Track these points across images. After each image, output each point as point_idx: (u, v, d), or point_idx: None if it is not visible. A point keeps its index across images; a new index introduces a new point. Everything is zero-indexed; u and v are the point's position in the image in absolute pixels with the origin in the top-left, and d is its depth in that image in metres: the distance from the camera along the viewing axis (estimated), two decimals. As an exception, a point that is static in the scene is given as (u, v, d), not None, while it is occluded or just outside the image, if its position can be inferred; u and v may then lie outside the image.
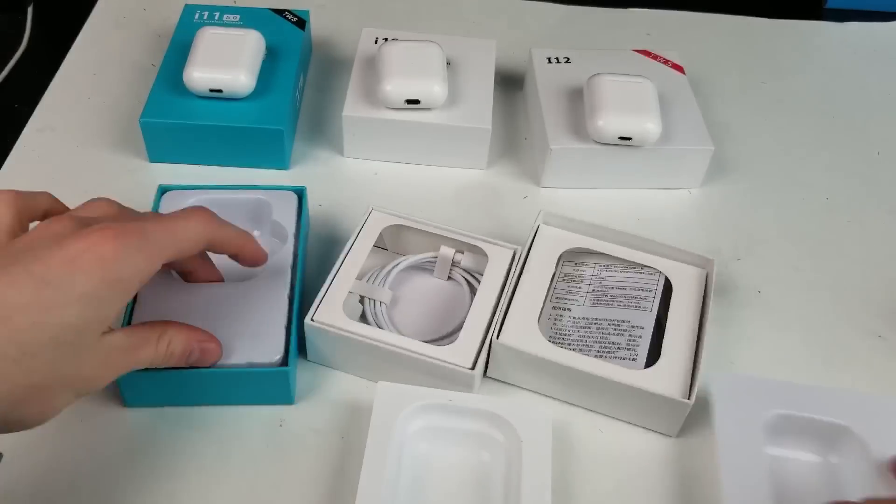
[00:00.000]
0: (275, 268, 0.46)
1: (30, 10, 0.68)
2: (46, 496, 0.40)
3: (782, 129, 0.64)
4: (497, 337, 0.44)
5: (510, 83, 0.65)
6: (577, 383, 0.44)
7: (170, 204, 0.48)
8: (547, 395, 0.46)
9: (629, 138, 0.54)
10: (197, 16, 0.62)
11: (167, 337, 0.39)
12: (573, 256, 0.51)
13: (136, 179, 0.56)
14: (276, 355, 0.42)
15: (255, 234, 0.49)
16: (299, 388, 0.45)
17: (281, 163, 0.57)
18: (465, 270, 0.50)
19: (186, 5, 0.63)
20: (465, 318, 0.45)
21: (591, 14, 0.74)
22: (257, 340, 0.42)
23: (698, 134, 0.57)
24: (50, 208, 0.39)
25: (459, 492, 0.41)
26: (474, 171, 0.59)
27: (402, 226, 0.49)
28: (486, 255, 0.48)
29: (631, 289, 0.49)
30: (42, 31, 0.69)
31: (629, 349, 0.46)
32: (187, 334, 0.40)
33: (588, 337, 0.48)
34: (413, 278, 0.51)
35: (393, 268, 0.50)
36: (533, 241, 0.50)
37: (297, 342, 0.44)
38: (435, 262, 0.50)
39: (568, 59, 0.61)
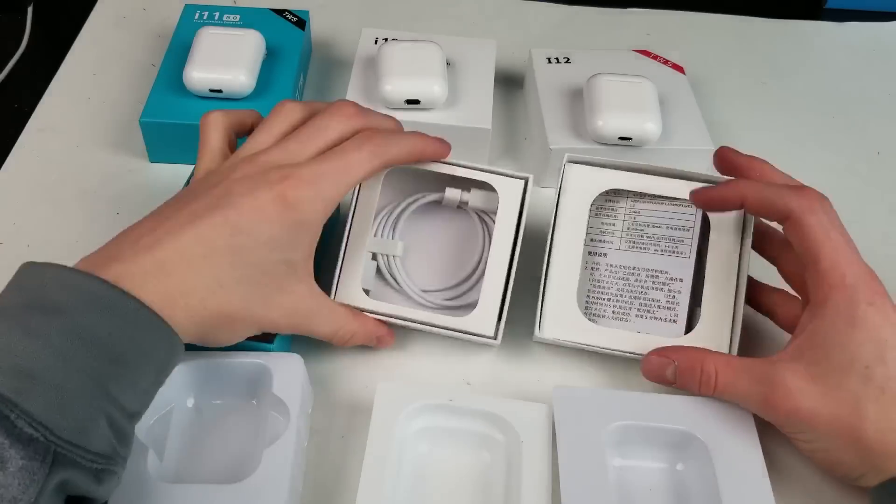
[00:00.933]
0: (273, 464, 0.39)
1: (30, 10, 0.68)
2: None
3: (782, 129, 0.64)
4: (539, 330, 0.46)
5: (510, 83, 0.65)
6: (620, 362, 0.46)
7: None
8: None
9: (629, 138, 0.54)
10: (197, 16, 0.62)
11: (352, 329, 0.44)
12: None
13: (136, 179, 0.56)
14: None
15: (253, 402, 0.44)
16: None
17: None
18: (474, 210, 0.51)
19: (186, 5, 0.63)
20: (479, 259, 0.48)
21: (591, 14, 0.74)
22: None
23: (698, 134, 0.57)
24: (255, 123, 0.44)
25: (459, 492, 0.41)
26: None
27: (402, 169, 0.47)
28: (494, 190, 0.47)
29: (668, 227, 0.50)
30: (42, 32, 0.69)
31: (669, 308, 0.48)
32: (365, 331, 0.44)
33: (627, 291, 0.49)
34: (422, 223, 0.51)
35: (400, 213, 0.50)
36: (561, 186, 0.49)
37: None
38: (440, 202, 0.51)
39: (568, 59, 0.61)
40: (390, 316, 0.45)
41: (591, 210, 0.48)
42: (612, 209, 0.51)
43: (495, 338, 0.45)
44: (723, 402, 0.42)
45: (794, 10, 0.76)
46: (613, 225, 0.50)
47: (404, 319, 0.45)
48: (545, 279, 0.47)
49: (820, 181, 0.60)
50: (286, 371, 0.42)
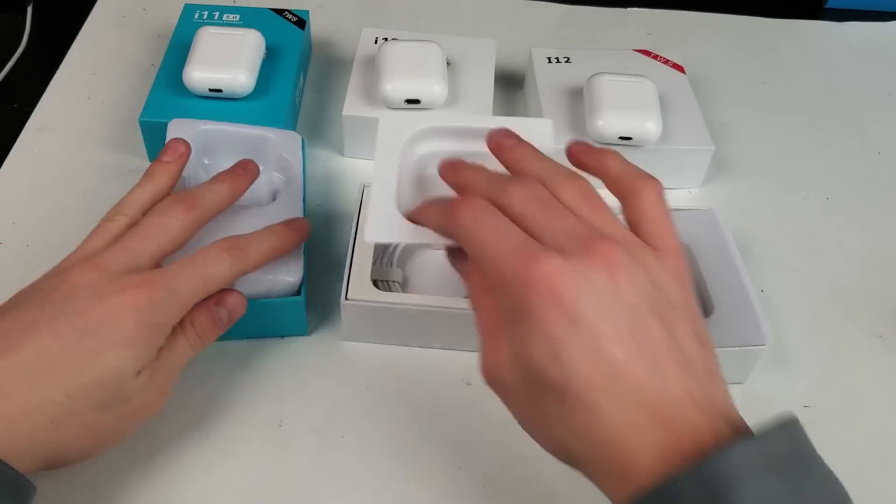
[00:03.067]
0: (288, 199, 0.48)
1: (29, 9, 0.68)
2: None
3: (782, 129, 0.64)
4: None
5: (510, 83, 0.65)
6: None
7: (176, 132, 0.49)
8: None
9: (629, 138, 0.54)
10: (197, 15, 0.62)
11: (188, 325, 0.40)
12: None
13: (136, 179, 0.55)
14: (297, 276, 0.45)
15: (261, 167, 0.49)
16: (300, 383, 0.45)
17: (281, 163, 0.57)
18: None
19: (186, 5, 0.63)
20: None
21: (592, 14, 0.74)
22: (279, 264, 0.44)
23: (699, 134, 0.56)
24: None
25: None
26: (474, 171, 0.59)
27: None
28: None
29: None
30: (41, 31, 0.68)
31: None
32: (202, 306, 0.40)
33: None
34: (419, 253, 0.51)
35: (397, 246, 0.50)
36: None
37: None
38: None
39: (568, 58, 0.61)
40: (410, 304, 0.45)
41: None
42: None
43: None
44: None
45: (793, 9, 0.76)
46: None
47: (422, 306, 0.45)
48: None
49: (820, 181, 0.60)
50: (287, 142, 0.51)
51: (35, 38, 0.68)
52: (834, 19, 0.75)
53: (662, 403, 0.30)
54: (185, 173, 0.46)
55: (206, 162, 0.51)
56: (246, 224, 0.44)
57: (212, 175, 0.46)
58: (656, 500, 0.28)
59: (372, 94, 0.56)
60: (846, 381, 0.48)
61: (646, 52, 0.63)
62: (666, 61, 0.62)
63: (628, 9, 0.74)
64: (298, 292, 0.45)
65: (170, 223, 0.40)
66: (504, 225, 0.34)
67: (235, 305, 0.42)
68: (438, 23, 0.71)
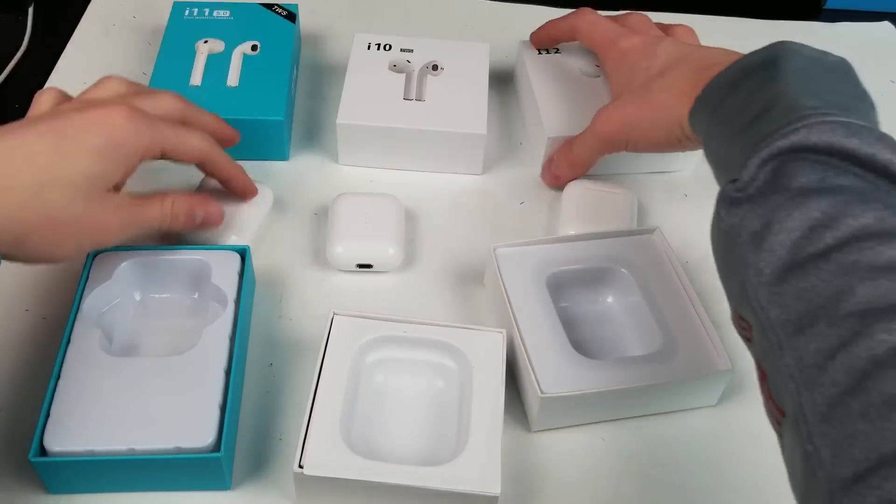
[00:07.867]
0: (212, 339, 0.42)
1: (30, 9, 0.68)
2: None
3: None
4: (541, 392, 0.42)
5: (504, 87, 0.65)
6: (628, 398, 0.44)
7: (100, 267, 0.45)
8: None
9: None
10: (187, 12, 0.62)
11: (170, 199, 0.44)
12: None
13: (132, 181, 0.55)
14: (208, 439, 0.39)
15: (195, 296, 0.47)
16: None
17: (281, 154, 0.57)
18: None
19: (175, 3, 0.62)
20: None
21: (584, 17, 0.73)
22: (188, 423, 0.39)
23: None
24: None
25: (414, 416, 0.43)
26: (470, 177, 0.58)
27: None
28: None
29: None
30: (43, 31, 0.68)
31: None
32: (188, 198, 0.45)
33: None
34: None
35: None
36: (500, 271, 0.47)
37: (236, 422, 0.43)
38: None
39: (557, 49, 0.61)
40: (372, 479, 0.38)
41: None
42: None
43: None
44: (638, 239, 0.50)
45: (793, 10, 0.76)
46: None
47: (388, 480, 0.39)
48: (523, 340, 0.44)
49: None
50: (224, 264, 0.46)
51: (36, 38, 0.67)
52: (832, 20, 0.75)
53: (729, 54, 0.44)
54: (112, 302, 0.45)
55: (137, 298, 0.46)
56: (153, 376, 0.41)
57: (144, 312, 0.46)
58: (734, 70, 0.41)
59: (365, 102, 0.56)
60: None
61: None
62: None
63: (621, 12, 0.74)
64: (217, 448, 0.39)
65: (160, 97, 0.45)
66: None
67: (212, 215, 0.46)
68: (430, 26, 0.70)
